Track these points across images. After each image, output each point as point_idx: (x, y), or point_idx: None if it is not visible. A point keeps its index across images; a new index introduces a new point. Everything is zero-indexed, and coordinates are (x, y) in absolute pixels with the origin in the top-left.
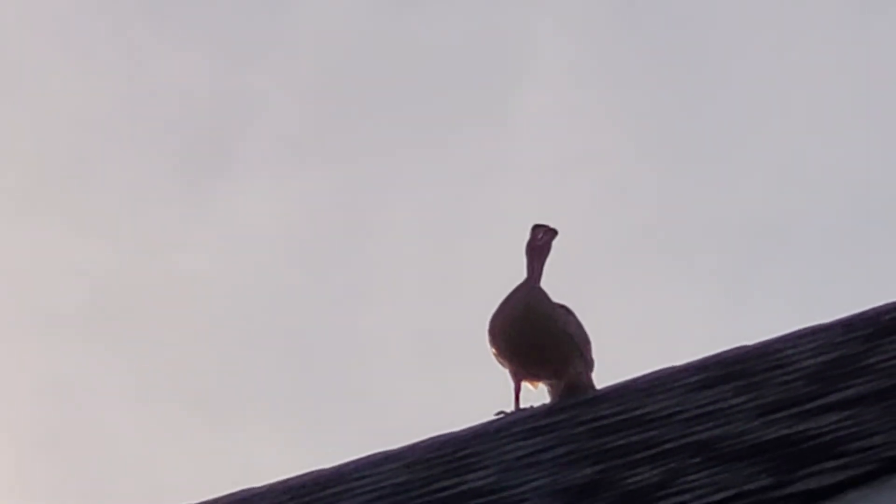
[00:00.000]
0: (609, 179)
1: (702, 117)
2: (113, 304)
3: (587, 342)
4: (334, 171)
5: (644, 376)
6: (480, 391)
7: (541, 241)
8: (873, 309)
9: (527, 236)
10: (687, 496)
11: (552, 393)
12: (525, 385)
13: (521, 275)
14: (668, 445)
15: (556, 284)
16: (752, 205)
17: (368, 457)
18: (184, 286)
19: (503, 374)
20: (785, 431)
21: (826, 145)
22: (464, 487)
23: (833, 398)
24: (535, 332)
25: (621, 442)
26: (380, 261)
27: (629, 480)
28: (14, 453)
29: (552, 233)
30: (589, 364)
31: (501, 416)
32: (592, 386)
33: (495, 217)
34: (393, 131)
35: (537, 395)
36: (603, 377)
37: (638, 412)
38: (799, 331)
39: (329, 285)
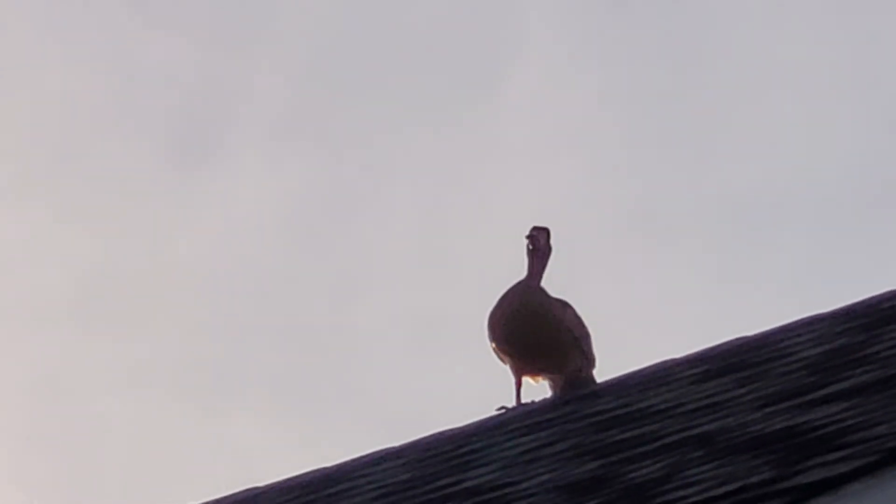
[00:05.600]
0: (601, 161)
1: (695, 97)
2: (104, 295)
3: (586, 336)
4: (325, 157)
5: (644, 369)
6: (480, 374)
7: (542, 244)
8: (873, 297)
9: (520, 225)
10: (690, 490)
11: (553, 387)
12: (526, 380)
13: (515, 257)
14: (670, 439)
15: (550, 270)
16: (749, 186)
17: (370, 454)
18: (175, 275)
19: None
20: (787, 423)
21: (820, 125)
22: (466, 484)
23: (834, 388)
24: (533, 326)
25: (623, 436)
26: (373, 246)
27: (632, 475)
28: (5, 446)
29: (547, 234)
30: (589, 358)
31: (503, 411)
32: (593, 380)
33: (488, 199)
34: (383, 116)
35: (538, 389)
36: (603, 370)
37: (639, 406)
38: (798, 320)
39: (323, 272)
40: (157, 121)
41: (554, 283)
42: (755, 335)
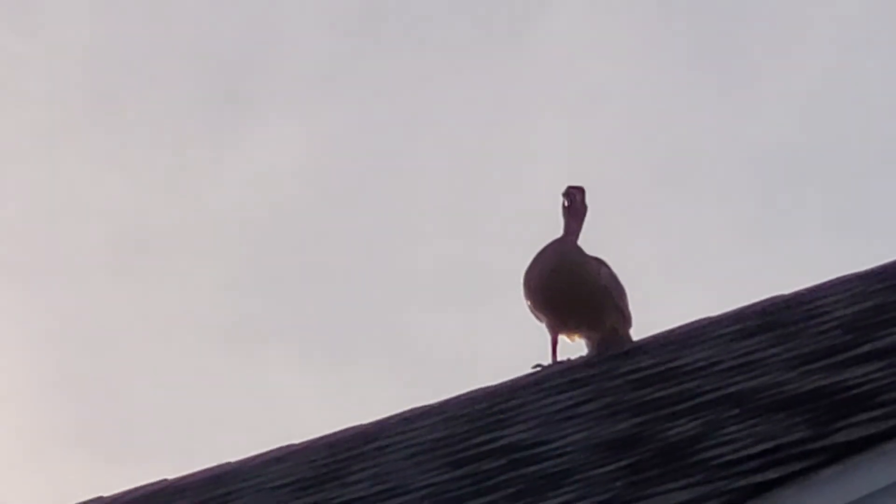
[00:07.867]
0: (634, 113)
1: (730, 48)
2: (137, 244)
3: (622, 293)
4: (360, 107)
5: (680, 327)
6: (518, 325)
7: (578, 203)
8: None
9: (555, 175)
10: (726, 448)
11: (589, 346)
12: (562, 338)
13: (552, 206)
14: (706, 397)
15: (586, 227)
16: (785, 140)
17: (406, 411)
18: (208, 224)
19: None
20: (822, 382)
21: (858, 79)
22: (503, 442)
23: (869, 348)
24: (569, 283)
25: (659, 394)
26: (409, 196)
27: (669, 433)
28: (38, 396)
29: (583, 192)
30: (625, 316)
31: (538, 369)
32: (629, 338)
33: (523, 148)
34: (418, 65)
35: (574, 347)
36: (639, 328)
37: (675, 364)
38: (834, 279)
39: (358, 222)
40: (194, 70)
41: (589, 239)
42: (790, 294)
